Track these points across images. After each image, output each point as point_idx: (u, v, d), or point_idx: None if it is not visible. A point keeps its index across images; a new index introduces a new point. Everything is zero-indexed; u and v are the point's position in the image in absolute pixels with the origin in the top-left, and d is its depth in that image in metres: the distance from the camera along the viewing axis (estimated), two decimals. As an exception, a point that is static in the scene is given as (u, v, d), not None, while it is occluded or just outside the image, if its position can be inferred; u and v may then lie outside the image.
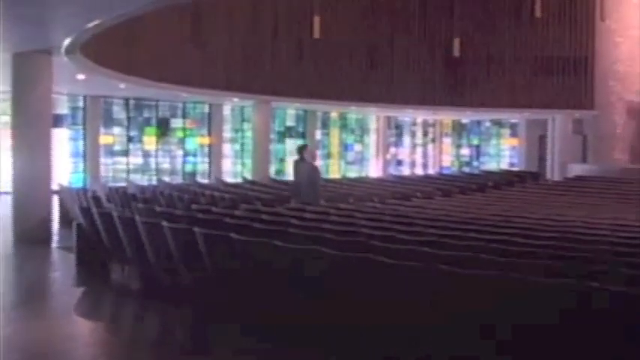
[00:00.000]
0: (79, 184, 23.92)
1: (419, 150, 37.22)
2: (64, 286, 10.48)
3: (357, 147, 34.76)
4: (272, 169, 28.86)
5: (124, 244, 9.66)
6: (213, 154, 29.29)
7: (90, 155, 26.04)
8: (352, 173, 33.09)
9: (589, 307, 5.02)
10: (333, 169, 33.14)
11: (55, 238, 14.11)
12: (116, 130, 27.23)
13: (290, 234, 8.27)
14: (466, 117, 35.44)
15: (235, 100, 27.14)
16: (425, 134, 37.30)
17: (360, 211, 12.74)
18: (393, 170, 34.84)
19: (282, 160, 31.34)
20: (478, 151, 37.64)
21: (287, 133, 31.76)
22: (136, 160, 27.75)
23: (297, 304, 6.65)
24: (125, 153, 27.40)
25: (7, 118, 18.68)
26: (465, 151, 37.79)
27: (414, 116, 35.52)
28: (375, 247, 7.18)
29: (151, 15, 17.62)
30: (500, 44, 28.07)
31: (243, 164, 29.98)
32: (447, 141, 37.78)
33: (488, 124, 37.21)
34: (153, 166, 28.12)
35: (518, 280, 5.40)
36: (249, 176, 26.16)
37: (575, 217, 12.37)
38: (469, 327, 5.53)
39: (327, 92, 26.47)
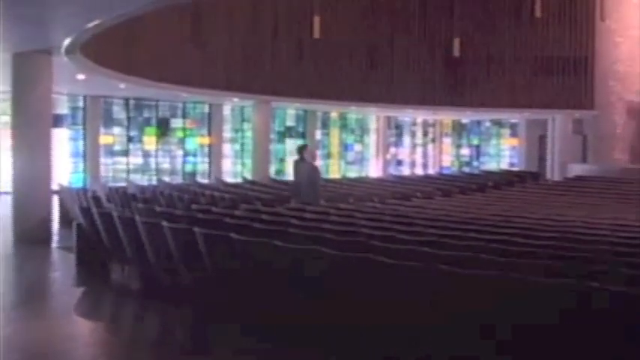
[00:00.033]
0: (79, 184, 23.92)
1: (419, 150, 37.22)
2: (64, 286, 10.48)
3: (357, 147, 34.76)
4: (272, 169, 28.86)
5: (124, 244, 9.66)
6: (213, 154, 29.29)
7: (90, 155, 26.04)
8: (352, 173, 33.09)
9: (589, 307, 5.02)
10: (333, 169, 33.14)
11: (55, 238, 14.11)
12: (116, 130, 27.23)
13: (290, 234, 8.27)
14: (466, 117, 35.45)
15: (235, 100, 27.14)
16: (425, 134, 37.30)
17: (360, 211, 12.74)
18: (393, 170, 34.84)
19: (282, 160, 31.34)
20: (478, 151, 37.64)
21: (287, 133, 31.76)
22: (135, 160, 27.75)
23: (297, 304, 6.65)
24: (125, 153, 27.40)
25: (7, 118, 18.69)
26: (465, 151, 37.79)
27: (414, 116, 35.53)
28: (375, 247, 7.18)
29: (151, 15, 17.61)
30: (500, 44, 28.08)
31: (243, 164, 29.98)
32: (447, 141, 37.78)
33: (488, 124, 37.21)
34: (153, 166, 28.12)
35: (518, 280, 5.40)
36: (249, 176, 26.16)
37: (575, 217, 12.37)
38: (469, 327, 5.53)
39: (327, 92, 26.47)
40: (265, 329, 6.96)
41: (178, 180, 27.01)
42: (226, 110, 29.66)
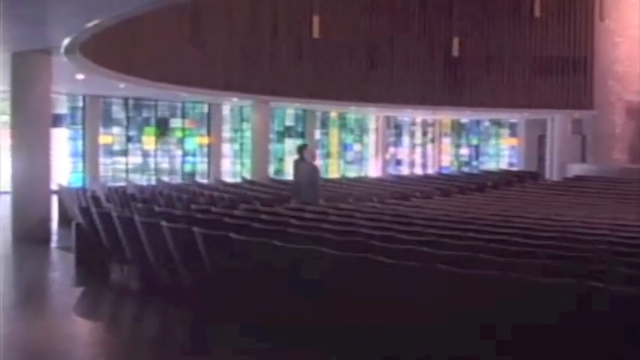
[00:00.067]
0: (78, 184, 23.91)
1: (418, 150, 37.22)
2: (63, 285, 10.47)
3: (357, 147, 34.76)
4: (271, 169, 28.85)
5: (123, 243, 9.66)
6: (213, 154, 29.28)
7: (89, 155, 26.03)
8: (351, 173, 33.08)
9: (588, 307, 5.02)
10: (333, 169, 33.13)
11: (55, 237, 14.10)
12: (115, 129, 27.22)
13: (289, 234, 8.27)
14: (465, 117, 35.45)
15: (234, 100, 27.14)
16: (424, 134, 37.30)
17: (360, 210, 12.74)
18: (392, 170, 34.83)
19: (281, 160, 31.33)
20: (477, 151, 37.64)
21: (286, 133, 31.75)
22: (135, 159, 27.74)
23: (296, 304, 6.65)
24: (124, 153, 27.39)
25: (6, 118, 18.65)
26: (464, 151, 37.79)
27: (413, 116, 35.53)
28: (374, 246, 7.18)
29: (151, 15, 17.61)
30: (499, 44, 28.09)
31: (242, 164, 29.96)
32: (446, 141, 37.77)
33: (487, 123, 37.22)
34: (152, 165, 28.10)
35: (517, 280, 5.40)
36: (248, 176, 26.15)
37: (575, 217, 12.37)
38: (468, 327, 5.53)
39: (326, 92, 26.47)
40: (264, 329, 6.96)
41: (177, 180, 27.00)
42: (225, 110, 29.65)
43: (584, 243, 8.43)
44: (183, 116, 28.79)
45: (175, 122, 28.68)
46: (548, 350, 5.19)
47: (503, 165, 36.31)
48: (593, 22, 26.89)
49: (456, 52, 23.82)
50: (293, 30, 25.27)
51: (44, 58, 13.52)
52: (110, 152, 27.06)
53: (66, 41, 12.18)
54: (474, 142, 37.69)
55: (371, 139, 35.02)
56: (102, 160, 26.61)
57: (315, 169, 13.83)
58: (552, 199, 17.19)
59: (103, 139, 26.69)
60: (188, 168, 28.96)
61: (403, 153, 36.55)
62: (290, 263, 6.85)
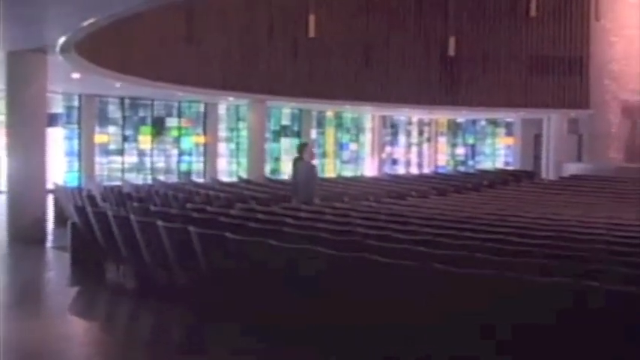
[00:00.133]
0: (74, 183, 23.85)
1: (414, 149, 37.21)
2: (58, 285, 10.46)
3: (353, 146, 34.74)
4: (267, 168, 28.82)
5: (118, 243, 9.64)
6: (209, 153, 29.24)
7: (85, 154, 25.97)
8: (347, 172, 33.06)
9: (585, 306, 5.02)
10: (329, 168, 33.11)
11: (50, 237, 14.05)
12: (111, 129, 27.16)
13: (285, 233, 8.27)
14: (461, 116, 35.46)
15: (231, 99, 27.12)
16: (420, 133, 37.30)
17: (356, 210, 12.74)
18: (388, 169, 34.83)
19: (277, 160, 31.31)
20: (473, 150, 37.63)
21: (282, 132, 31.73)
22: (131, 159, 27.69)
23: (292, 304, 6.64)
24: (120, 152, 27.34)
25: (1, 117, 18.62)
26: (461, 150, 37.79)
27: (409, 115, 35.53)
28: (370, 246, 7.18)
29: (146, 14, 17.59)
30: (495, 43, 28.11)
31: (238, 163, 29.94)
32: (443, 140, 37.76)
33: (483, 123, 37.20)
34: (148, 165, 28.07)
35: (513, 280, 5.40)
36: (244, 175, 26.14)
37: (571, 216, 12.38)
38: (465, 326, 5.52)
39: (322, 91, 26.46)
40: (261, 329, 6.96)
41: (173, 179, 26.94)
42: (221, 109, 29.61)
43: (580, 242, 8.44)
44: (180, 115, 28.75)
45: (171, 121, 28.64)
46: (544, 349, 5.18)
47: (500, 164, 36.30)
48: (589, 22, 26.93)
49: (452, 52, 23.89)
50: (289, 29, 25.25)
51: (40, 57, 13.48)
52: (106, 151, 27.01)
53: (61, 40, 12.16)
54: (470, 141, 37.68)
55: (367, 138, 35.01)
56: (98, 159, 26.55)
57: (312, 168, 13.76)
58: (548, 199, 17.20)
59: (99, 138, 26.63)
60: (184, 167, 28.93)
61: (399, 152, 36.54)
62: (286, 263, 6.84)
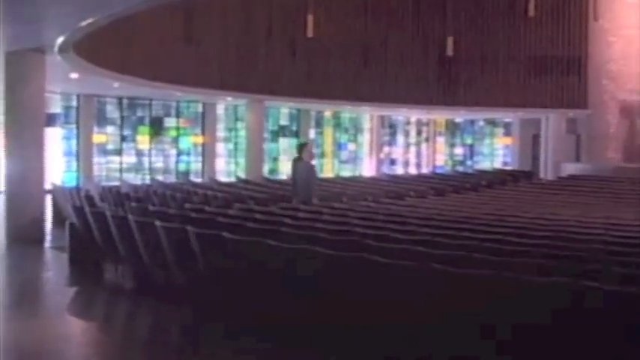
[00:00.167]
0: (72, 184, 23.83)
1: (412, 149, 37.22)
2: (57, 285, 10.44)
3: (351, 146, 34.74)
4: (265, 168, 28.83)
5: (117, 243, 9.63)
6: (207, 153, 29.24)
7: (83, 154, 25.96)
8: (346, 172, 33.08)
9: (583, 306, 5.03)
10: (327, 168, 33.11)
11: (48, 237, 14.05)
12: (109, 129, 27.15)
13: (283, 233, 8.26)
14: (460, 116, 35.47)
15: (229, 99, 27.11)
16: (418, 133, 37.31)
17: (354, 210, 12.74)
18: (386, 169, 34.84)
19: (275, 160, 31.32)
20: (472, 151, 37.66)
21: (280, 132, 31.72)
22: (129, 159, 27.68)
23: (290, 304, 6.64)
24: (118, 152, 27.33)
25: (-1, 117, 18.64)
26: (459, 151, 37.80)
27: (407, 115, 35.53)
28: (368, 246, 7.18)
29: (145, 14, 17.58)
30: (493, 43, 28.12)
31: (236, 163, 29.94)
32: (441, 140, 37.78)
33: (481, 123, 37.23)
34: (146, 165, 28.06)
35: (511, 280, 5.40)
36: (242, 175, 26.13)
37: (569, 216, 12.39)
38: (464, 326, 5.52)
39: (320, 91, 26.46)
40: (259, 329, 6.95)
41: (172, 179, 26.96)
42: (220, 109, 29.61)
43: (578, 242, 8.44)
44: (178, 115, 28.74)
45: (170, 121, 28.63)
46: (542, 349, 5.18)
47: (498, 164, 36.32)
48: (587, 22, 26.96)
49: (450, 52, 23.89)
50: (287, 29, 25.25)
51: (38, 57, 13.48)
52: (104, 151, 27.00)
53: (60, 40, 12.15)
54: (469, 141, 37.70)
55: (365, 138, 35.01)
56: (96, 159, 26.54)
57: (311, 168, 13.74)
58: (547, 199, 17.21)
59: (97, 138, 26.62)
60: (182, 167, 28.93)
61: (397, 152, 36.54)
62: (284, 263, 6.84)
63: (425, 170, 36.02)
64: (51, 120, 22.77)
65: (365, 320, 6.04)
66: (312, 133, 32.54)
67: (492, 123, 36.96)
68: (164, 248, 8.43)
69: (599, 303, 4.99)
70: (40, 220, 13.98)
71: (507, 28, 28.07)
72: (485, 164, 36.36)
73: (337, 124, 34.15)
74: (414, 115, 35.22)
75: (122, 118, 27.36)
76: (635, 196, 16.98)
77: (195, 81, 23.05)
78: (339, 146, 34.23)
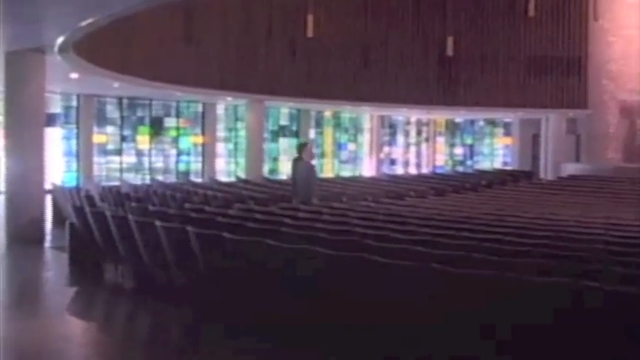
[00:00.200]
0: (72, 184, 23.82)
1: (412, 149, 37.22)
2: (57, 285, 10.44)
3: (351, 146, 34.74)
4: (265, 168, 28.83)
5: (117, 243, 9.63)
6: (207, 153, 29.24)
7: (83, 154, 25.96)
8: (346, 172, 33.08)
9: (583, 307, 5.03)
10: (327, 168, 33.12)
11: (48, 237, 14.05)
12: (109, 129, 27.15)
13: (283, 233, 8.26)
14: (460, 116, 35.48)
15: (229, 99, 27.12)
16: (418, 133, 37.31)
17: (354, 210, 12.73)
18: (386, 169, 34.83)
19: (275, 160, 31.32)
20: (472, 151, 37.66)
21: (280, 132, 31.73)
22: (129, 159, 27.68)
23: (290, 304, 6.64)
24: (118, 152, 27.33)
25: (-1, 117, 18.64)
26: (459, 151, 37.80)
27: (407, 115, 35.53)
28: (368, 246, 7.18)
29: (145, 14, 17.59)
30: (493, 43, 28.12)
31: (236, 163, 29.94)
32: (441, 140, 37.79)
33: (481, 123, 37.24)
34: (146, 165, 28.06)
35: (511, 280, 5.40)
36: (242, 175, 26.13)
37: (569, 217, 12.39)
38: (463, 326, 5.52)
39: (320, 91, 26.46)
40: (259, 329, 6.95)
41: (172, 179, 26.96)
42: (220, 109, 29.62)
43: (578, 242, 8.44)
44: (178, 115, 28.75)
45: (170, 121, 28.63)
46: (542, 349, 5.18)
47: (498, 164, 36.33)
48: (587, 22, 26.97)
49: (450, 52, 23.91)
50: (287, 29, 25.25)
51: (38, 57, 13.48)
52: (104, 151, 27.00)
53: (60, 40, 12.15)
54: (469, 141, 37.70)
55: (365, 138, 35.02)
56: (96, 159, 26.54)
57: (311, 168, 13.74)
58: (546, 199, 17.21)
59: (97, 138, 26.62)
60: (182, 167, 28.93)
61: (397, 152, 36.55)
62: (284, 263, 6.84)
63: (425, 170, 36.03)
64: (51, 120, 22.77)
65: (365, 320, 6.04)
66: (312, 133, 32.55)
67: (492, 123, 36.97)
68: (164, 248, 8.43)
69: (599, 303, 4.99)
70: (40, 220, 13.98)
71: (507, 28, 28.07)
72: (485, 164, 36.36)
73: (337, 124, 34.16)
74: (414, 115, 35.23)
75: (122, 118, 27.36)
76: (635, 196, 16.97)
77: (195, 81, 23.05)
78: (339, 146, 34.23)
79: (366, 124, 34.88)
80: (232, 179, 25.95)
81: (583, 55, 27.62)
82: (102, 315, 9.02)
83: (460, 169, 35.87)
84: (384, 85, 27.58)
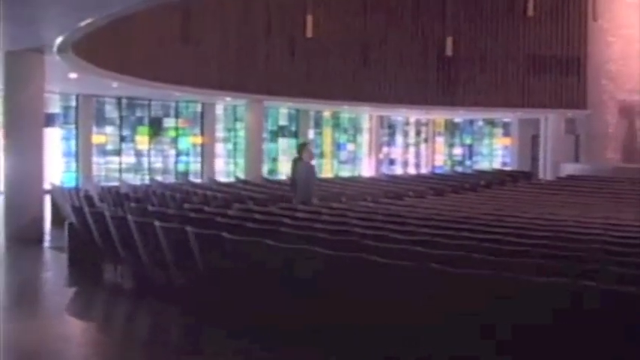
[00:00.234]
0: (72, 184, 23.83)
1: (411, 149, 37.23)
2: (56, 286, 10.44)
3: (350, 146, 34.75)
4: (265, 169, 28.82)
5: (116, 243, 9.63)
6: (206, 153, 29.24)
7: (82, 154, 25.96)
8: (345, 172, 33.08)
9: (582, 306, 5.03)
10: (326, 169, 33.12)
11: (47, 237, 14.06)
12: (108, 129, 27.14)
13: (283, 233, 8.27)
14: (459, 116, 35.48)
15: (228, 99, 27.11)
16: (418, 133, 37.31)
17: (353, 210, 12.74)
18: (385, 169, 34.84)
19: (274, 160, 31.32)
20: (471, 151, 37.66)
21: (280, 132, 31.73)
22: (128, 159, 27.67)
23: (289, 304, 6.64)
24: (117, 152, 27.33)
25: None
26: (458, 151, 37.81)
27: (406, 116, 35.54)
28: (367, 246, 7.18)
29: (144, 14, 17.59)
30: (493, 43, 28.11)
31: (235, 163, 29.94)
32: (440, 140, 37.79)
33: (480, 123, 37.24)
34: (145, 165, 28.05)
35: (510, 280, 5.40)
36: (241, 175, 26.13)
37: (568, 217, 12.39)
38: (463, 326, 5.52)
39: (320, 91, 26.46)
40: (258, 329, 6.95)
41: (171, 179, 26.96)
42: (219, 109, 29.61)
43: (577, 242, 8.44)
44: (177, 116, 28.74)
45: (169, 122, 28.63)
46: (541, 349, 5.18)
47: (497, 164, 36.33)
48: (587, 22, 26.97)
49: (449, 52, 23.92)
50: (286, 29, 25.25)
51: (37, 57, 13.48)
52: (103, 152, 26.99)
53: (59, 40, 12.15)
54: (468, 141, 37.71)
55: (364, 138, 35.02)
56: (95, 159, 26.54)
57: (311, 168, 13.75)
58: (546, 199, 17.21)
59: (96, 138, 26.61)
60: (181, 167, 28.92)
61: (397, 152, 36.55)
62: (283, 263, 6.84)
63: (424, 170, 36.04)
64: (50, 120, 22.78)
65: (365, 320, 6.04)
66: (311, 134, 32.55)
67: (491, 123, 36.98)
68: (163, 248, 8.43)
69: (597, 303, 4.99)
70: (40, 220, 13.98)
71: (506, 28, 28.07)
72: (484, 164, 36.37)
73: (336, 125, 34.16)
74: (413, 115, 35.23)
75: (121, 118, 27.35)
76: (634, 196, 16.98)
77: (194, 81, 23.05)
78: (338, 146, 34.23)
79: (365, 125, 34.89)
80: (231, 179, 25.96)
81: (582, 55, 27.63)
82: (101, 315, 9.01)
83: (459, 169, 35.88)
84: (384, 85, 27.57)
